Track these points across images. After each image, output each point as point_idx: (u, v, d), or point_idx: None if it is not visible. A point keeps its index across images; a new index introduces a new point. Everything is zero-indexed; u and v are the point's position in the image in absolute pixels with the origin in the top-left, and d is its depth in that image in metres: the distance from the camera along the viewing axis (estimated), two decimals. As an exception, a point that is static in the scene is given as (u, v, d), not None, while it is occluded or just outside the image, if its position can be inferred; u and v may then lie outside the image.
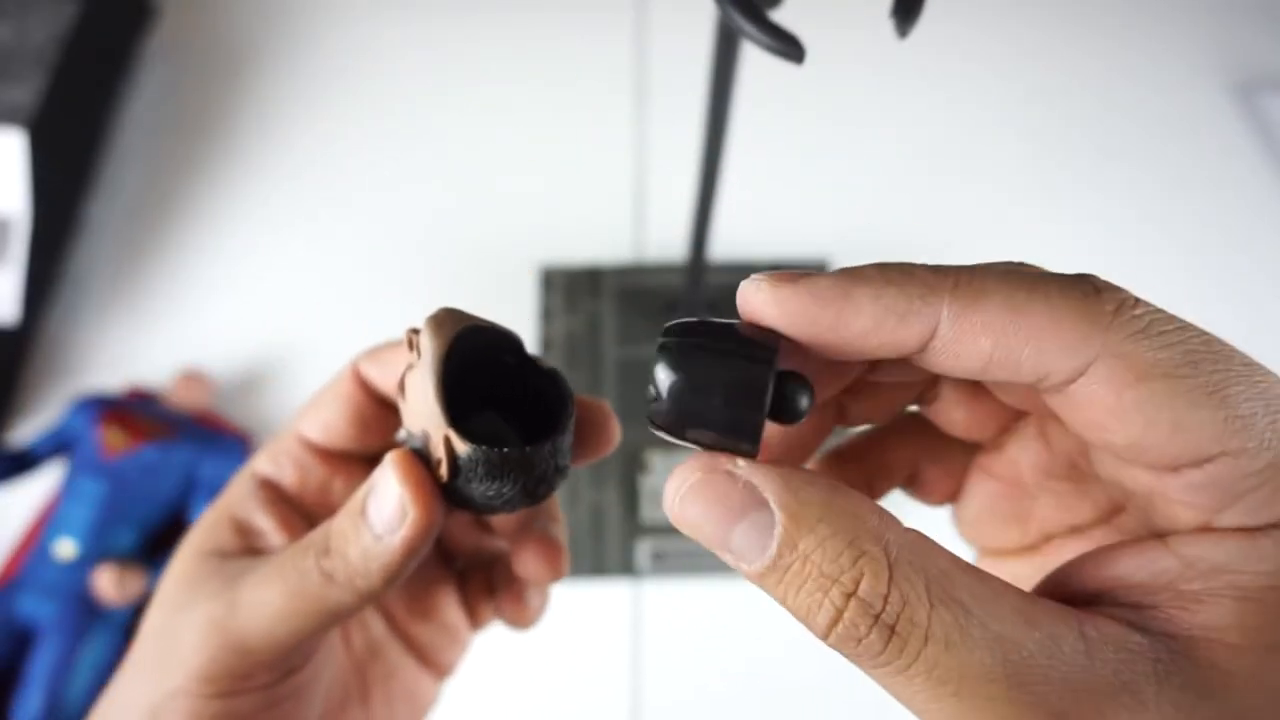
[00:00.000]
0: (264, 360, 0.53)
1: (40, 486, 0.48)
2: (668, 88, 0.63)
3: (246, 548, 0.24)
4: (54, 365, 0.53)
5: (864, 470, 0.22)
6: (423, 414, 0.20)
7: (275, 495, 0.24)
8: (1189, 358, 0.14)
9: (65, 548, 0.44)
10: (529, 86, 0.63)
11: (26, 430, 0.51)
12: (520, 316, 0.53)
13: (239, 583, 0.21)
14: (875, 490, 0.22)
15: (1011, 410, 0.20)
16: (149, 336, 0.54)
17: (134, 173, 0.59)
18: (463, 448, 0.19)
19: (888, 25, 0.26)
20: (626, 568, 0.46)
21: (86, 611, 0.43)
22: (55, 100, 0.52)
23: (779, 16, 0.26)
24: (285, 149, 0.60)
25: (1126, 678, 0.14)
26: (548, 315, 0.46)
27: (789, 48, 0.25)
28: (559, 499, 0.44)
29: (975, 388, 0.20)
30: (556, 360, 0.44)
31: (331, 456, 0.25)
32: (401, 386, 0.21)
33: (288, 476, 0.25)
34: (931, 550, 0.15)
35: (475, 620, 0.27)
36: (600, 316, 0.46)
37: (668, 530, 0.45)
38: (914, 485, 0.22)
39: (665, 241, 0.56)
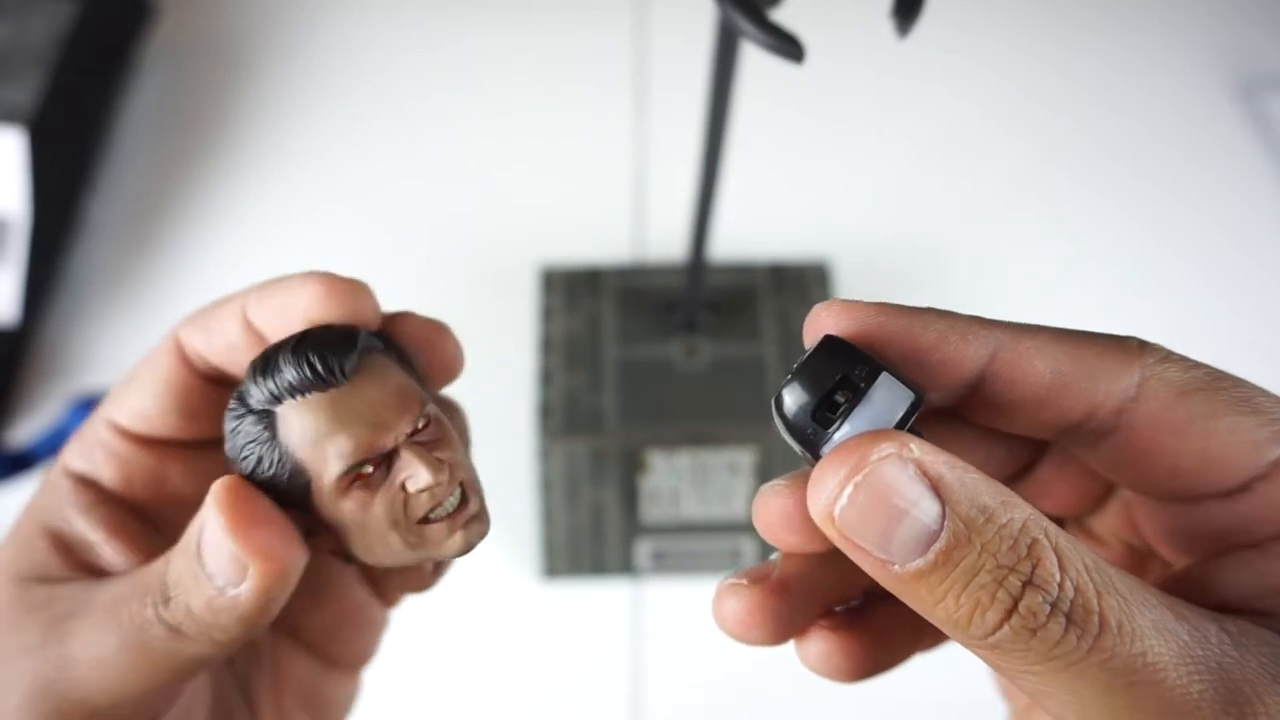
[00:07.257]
0: (264, 360, 0.53)
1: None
2: (668, 88, 0.63)
3: (73, 564, 0.20)
4: (54, 365, 0.53)
5: None
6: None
7: (97, 496, 0.20)
8: (1211, 375, 0.16)
9: (65, 548, 0.44)
10: (529, 86, 0.63)
11: (26, 430, 0.51)
12: (520, 316, 0.53)
13: (67, 631, 0.18)
14: None
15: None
16: (149, 336, 0.54)
17: (134, 173, 0.59)
18: None
19: (888, 25, 0.26)
20: (626, 568, 0.46)
21: (86, 611, 0.43)
22: (55, 100, 0.52)
23: (779, 16, 0.26)
24: (285, 149, 0.60)
25: (1274, 669, 0.14)
26: (548, 315, 0.46)
27: (789, 47, 0.25)
28: (559, 498, 0.44)
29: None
30: (556, 360, 0.44)
31: (155, 442, 0.21)
32: None
33: (106, 472, 0.20)
34: (1080, 541, 0.14)
35: (386, 598, 0.24)
36: (600, 316, 0.46)
37: (668, 530, 0.45)
38: None
39: (665, 241, 0.56)
